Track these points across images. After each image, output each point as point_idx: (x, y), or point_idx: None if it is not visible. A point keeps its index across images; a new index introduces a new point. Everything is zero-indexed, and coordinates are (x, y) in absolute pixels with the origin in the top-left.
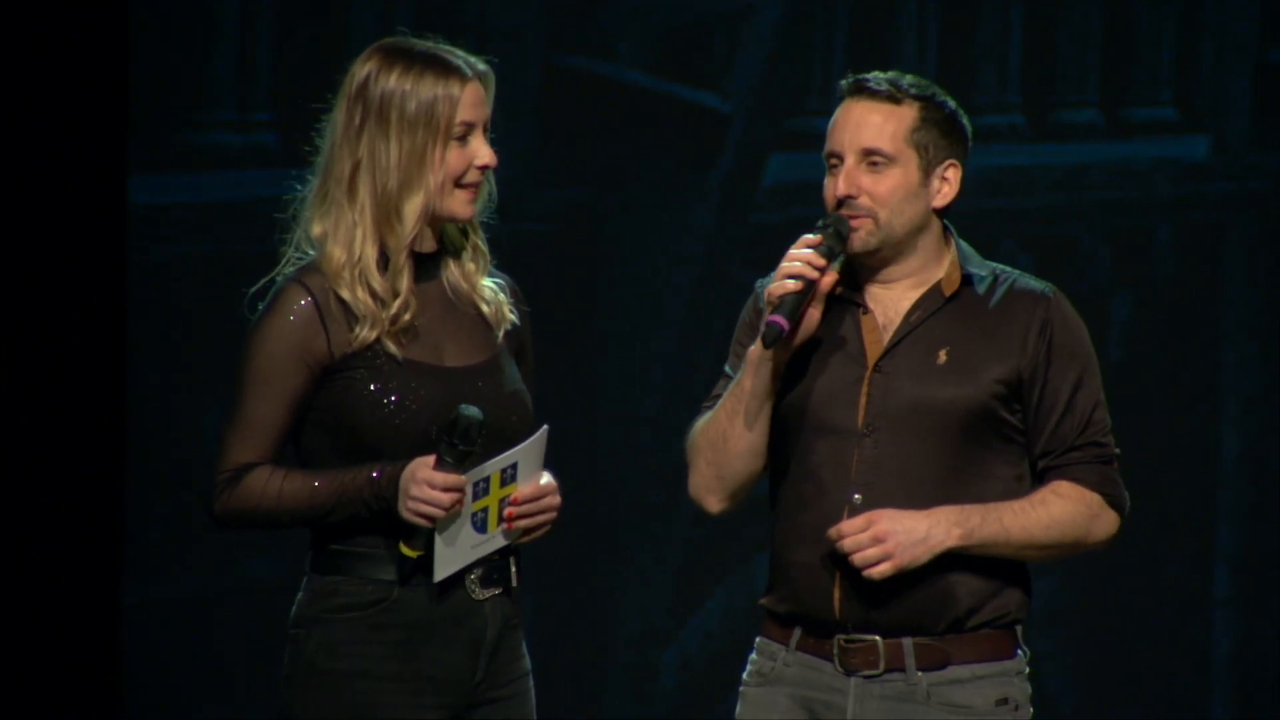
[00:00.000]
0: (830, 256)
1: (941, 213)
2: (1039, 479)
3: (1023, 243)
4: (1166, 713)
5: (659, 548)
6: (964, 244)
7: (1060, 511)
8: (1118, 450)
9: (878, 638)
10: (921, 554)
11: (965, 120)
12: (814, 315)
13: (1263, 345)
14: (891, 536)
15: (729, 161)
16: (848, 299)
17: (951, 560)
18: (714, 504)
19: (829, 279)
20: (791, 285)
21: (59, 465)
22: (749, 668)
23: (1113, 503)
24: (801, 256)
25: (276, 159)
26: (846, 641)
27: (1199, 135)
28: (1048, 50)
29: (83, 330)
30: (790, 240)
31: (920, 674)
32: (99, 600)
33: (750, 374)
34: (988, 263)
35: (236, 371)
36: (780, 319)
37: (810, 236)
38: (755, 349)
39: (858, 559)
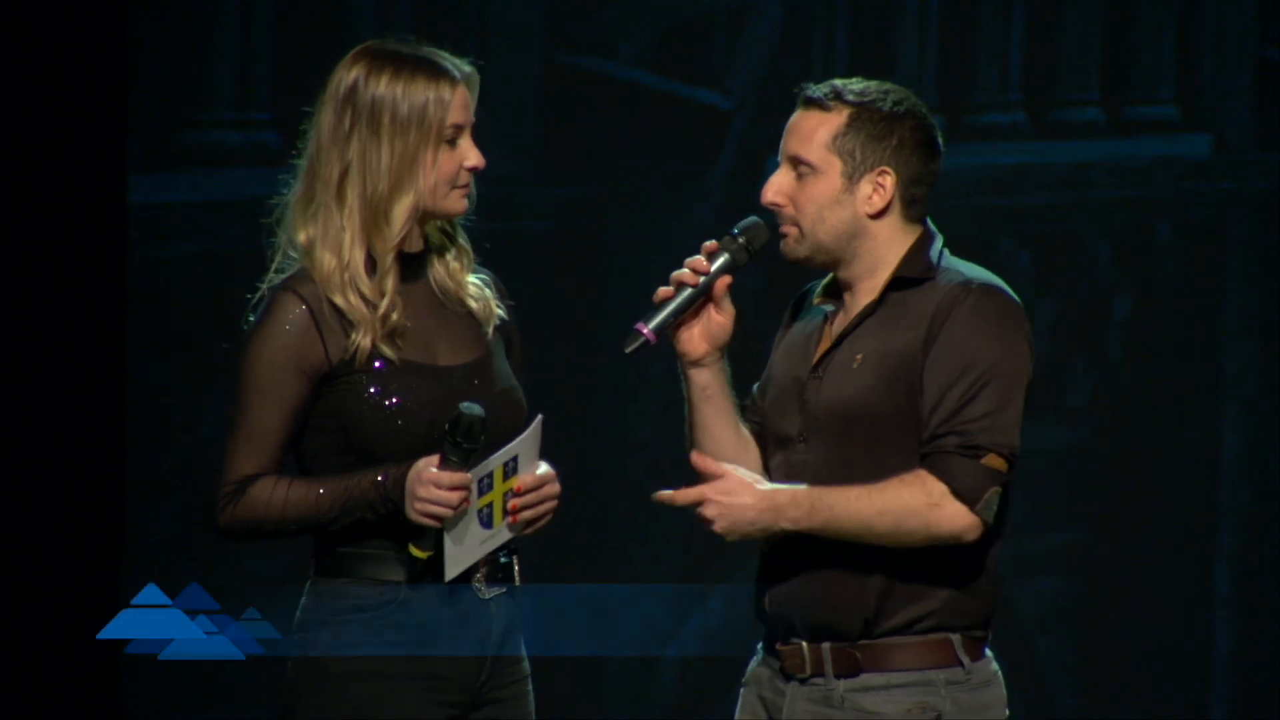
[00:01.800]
0: (732, 265)
1: (885, 217)
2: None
3: (1023, 241)
4: (1166, 713)
5: (659, 547)
6: (935, 248)
7: (895, 499)
8: (997, 450)
9: (804, 643)
10: (752, 532)
11: (922, 124)
12: (720, 320)
13: (1263, 345)
14: (716, 508)
15: (730, 159)
16: (823, 308)
17: (873, 576)
18: None
19: (723, 282)
20: (663, 292)
21: (59, 465)
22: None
23: (959, 494)
24: (688, 263)
25: (276, 158)
26: (781, 646)
27: (1200, 133)
28: (1049, 48)
29: (82, 330)
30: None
31: (837, 680)
32: (99, 600)
33: (684, 381)
34: (953, 263)
35: (234, 383)
36: (642, 326)
37: (710, 243)
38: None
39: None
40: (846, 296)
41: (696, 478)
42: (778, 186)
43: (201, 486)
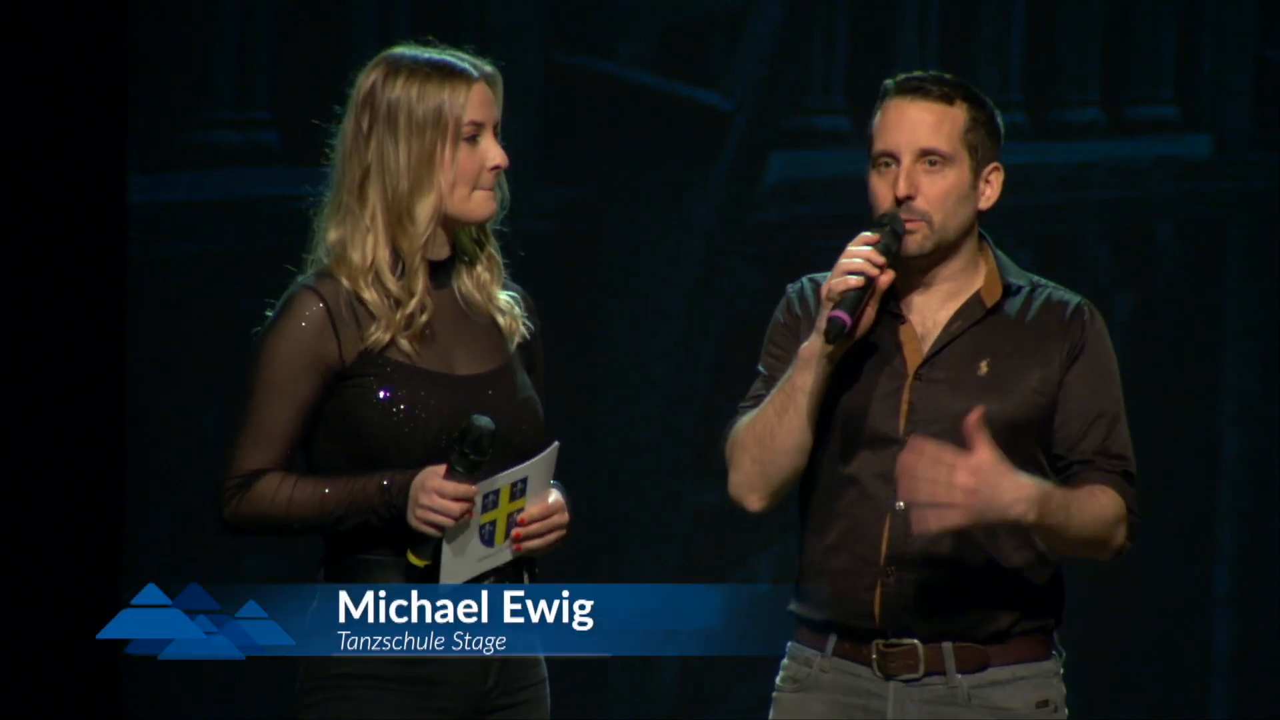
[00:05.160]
0: (888, 254)
1: (977, 219)
2: (1062, 478)
3: (1023, 241)
4: (1166, 713)
5: (659, 547)
6: (1000, 252)
7: (1103, 510)
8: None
9: (917, 642)
10: (992, 519)
11: (1001, 122)
12: (870, 314)
13: (1263, 345)
14: (976, 495)
15: (730, 159)
16: (883, 308)
17: (997, 575)
18: (755, 502)
19: (887, 277)
20: (854, 281)
21: (59, 465)
22: (781, 673)
23: (1129, 522)
24: (862, 254)
25: (276, 157)
26: (885, 646)
27: (1200, 134)
28: (1049, 48)
29: (82, 329)
30: (787, 237)
31: (960, 676)
32: (99, 600)
33: (803, 370)
34: (1025, 273)
35: (247, 377)
36: (842, 314)
37: (868, 234)
38: (811, 345)
39: (925, 494)
40: (917, 296)
41: (695, 476)
42: (911, 179)
43: (201, 487)
